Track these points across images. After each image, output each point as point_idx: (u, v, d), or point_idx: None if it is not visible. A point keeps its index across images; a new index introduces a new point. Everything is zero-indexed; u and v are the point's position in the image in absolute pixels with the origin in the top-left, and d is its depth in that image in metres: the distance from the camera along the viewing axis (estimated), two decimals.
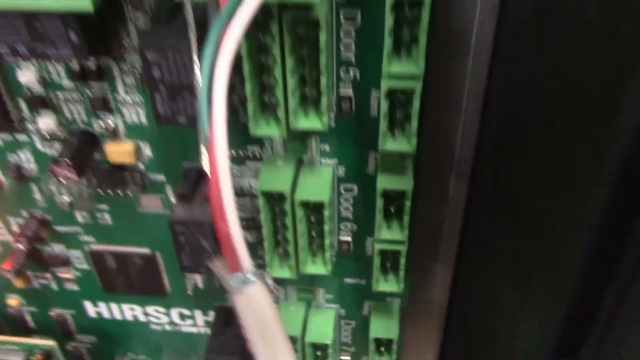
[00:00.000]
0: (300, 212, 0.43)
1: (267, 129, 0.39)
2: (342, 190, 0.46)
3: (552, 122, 0.40)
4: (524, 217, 0.46)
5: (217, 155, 0.25)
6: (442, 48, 0.40)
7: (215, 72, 0.25)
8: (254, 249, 0.51)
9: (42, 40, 0.35)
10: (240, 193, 0.47)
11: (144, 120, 0.44)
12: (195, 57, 0.30)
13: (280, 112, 0.38)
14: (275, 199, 0.44)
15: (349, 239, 0.49)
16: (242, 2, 0.27)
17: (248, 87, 0.37)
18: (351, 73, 0.40)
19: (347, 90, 0.41)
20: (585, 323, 0.34)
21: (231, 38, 0.26)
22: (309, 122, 0.39)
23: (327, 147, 0.44)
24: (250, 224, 0.49)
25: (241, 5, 0.27)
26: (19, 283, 0.56)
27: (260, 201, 0.43)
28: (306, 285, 0.53)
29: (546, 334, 0.39)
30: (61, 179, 0.43)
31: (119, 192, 0.47)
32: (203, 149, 0.26)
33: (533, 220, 0.45)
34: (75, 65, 0.40)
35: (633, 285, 0.30)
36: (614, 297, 0.32)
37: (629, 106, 0.28)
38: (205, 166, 0.26)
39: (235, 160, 0.45)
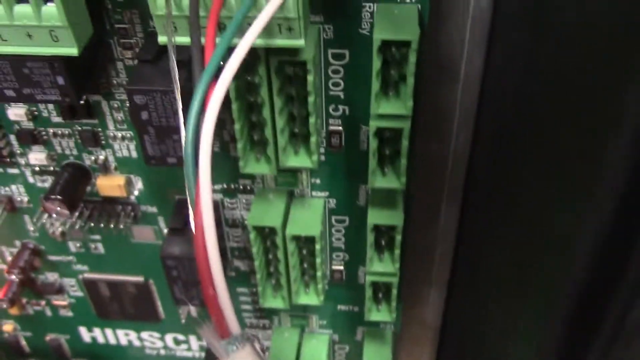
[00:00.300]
0: (291, 246, 0.43)
1: (257, 167, 0.39)
2: (334, 222, 0.46)
3: (543, 150, 0.40)
4: (515, 240, 0.46)
5: (204, 221, 0.25)
6: (430, 81, 0.40)
7: (201, 136, 0.25)
8: (247, 278, 0.51)
9: (29, 84, 0.35)
10: (232, 224, 0.47)
11: (134, 154, 0.44)
12: (179, 103, 0.30)
13: (270, 151, 0.38)
14: (266, 233, 0.44)
15: (341, 268, 0.49)
16: (225, 61, 0.27)
17: (237, 126, 0.37)
18: (340, 109, 0.40)
19: (337, 126, 0.41)
20: (582, 344, 0.34)
21: (215, 100, 0.26)
22: (298, 160, 0.39)
23: (317, 181, 0.44)
24: (242, 253, 0.49)
25: (226, 64, 0.26)
26: (13, 310, 0.56)
27: (252, 235, 0.43)
28: (299, 312, 0.53)
29: (541, 355, 0.39)
30: (53, 214, 0.43)
31: (111, 224, 0.47)
32: (190, 210, 0.26)
33: (525, 243, 0.45)
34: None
35: (634, 308, 0.30)
36: (611, 320, 0.32)
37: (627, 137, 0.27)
38: (192, 227, 0.26)
39: (227, 192, 0.45)
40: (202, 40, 0.29)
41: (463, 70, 0.40)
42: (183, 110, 0.29)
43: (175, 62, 0.29)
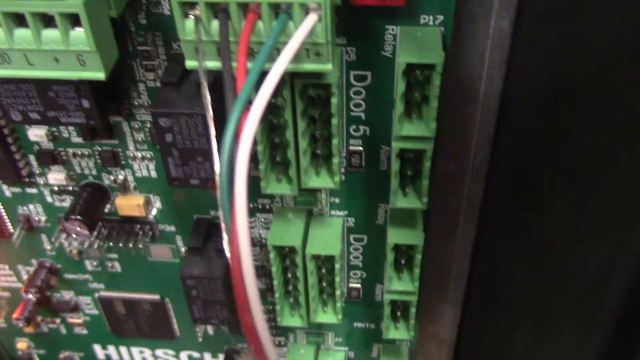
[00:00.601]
0: (311, 265, 0.43)
1: (278, 188, 0.39)
2: (352, 240, 0.46)
3: (561, 170, 0.40)
4: (533, 262, 0.46)
5: (241, 251, 0.25)
6: (450, 101, 0.41)
7: (236, 163, 0.25)
8: (264, 295, 0.51)
9: (54, 107, 0.35)
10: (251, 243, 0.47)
11: (153, 173, 0.44)
12: (210, 124, 0.30)
13: (292, 172, 0.38)
14: (286, 253, 0.44)
15: (358, 285, 0.49)
16: (258, 86, 0.27)
17: (259, 148, 0.37)
18: (361, 130, 0.40)
19: (357, 147, 0.41)
20: None
21: (249, 129, 0.26)
22: (320, 181, 0.39)
23: (337, 200, 0.44)
24: (259, 271, 0.49)
25: (259, 90, 0.27)
26: (28, 328, 0.56)
27: (272, 255, 0.43)
28: (315, 329, 0.53)
29: None
30: (73, 234, 0.43)
31: (129, 243, 0.47)
32: (224, 237, 0.26)
33: (544, 266, 0.45)
34: None
35: None
36: None
37: None
38: (227, 255, 0.26)
39: None
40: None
41: (482, 90, 0.41)
42: (211, 134, 0.29)
43: (206, 87, 0.29)
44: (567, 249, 0.42)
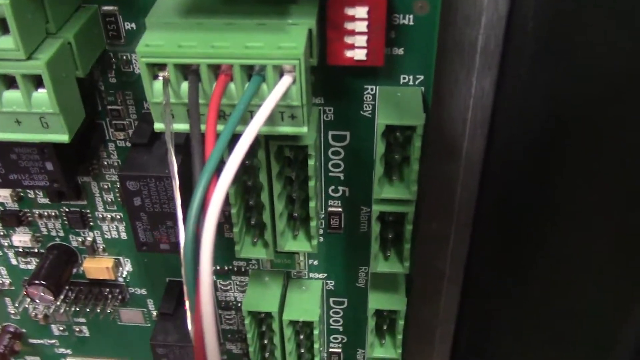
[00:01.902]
0: (288, 331, 0.41)
1: (254, 252, 0.38)
2: (332, 304, 0.44)
3: (548, 228, 0.39)
4: (519, 321, 0.44)
5: (205, 337, 0.23)
6: (431, 160, 0.39)
7: (202, 239, 0.23)
8: None
9: (16, 170, 0.34)
10: (225, 306, 0.45)
11: (123, 235, 0.42)
12: (176, 193, 0.28)
13: (268, 235, 0.37)
14: (262, 318, 0.42)
15: (339, 350, 0.47)
16: (227, 157, 0.25)
17: (234, 211, 0.36)
18: (340, 190, 0.38)
19: (336, 207, 0.39)
20: None
21: (217, 198, 0.24)
22: (297, 245, 0.37)
23: (315, 262, 0.42)
24: (235, 336, 0.47)
25: (229, 156, 0.25)
26: None
27: (247, 320, 0.41)
28: None
29: None
30: (36, 299, 0.41)
31: (98, 307, 0.45)
32: (188, 314, 0.24)
33: (528, 325, 0.43)
34: None
35: None
36: None
37: None
38: (191, 335, 0.24)
39: (220, 274, 0.43)
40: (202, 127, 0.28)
41: (465, 149, 0.40)
42: (176, 203, 0.28)
43: (172, 153, 0.27)
44: (557, 313, 0.41)
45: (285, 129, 0.30)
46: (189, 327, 0.24)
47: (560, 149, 0.36)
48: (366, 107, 0.35)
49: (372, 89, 0.34)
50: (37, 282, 0.40)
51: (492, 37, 0.35)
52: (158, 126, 0.30)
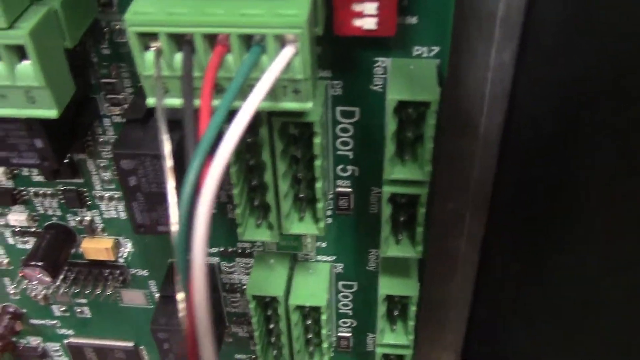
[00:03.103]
0: (295, 317, 0.39)
1: (257, 234, 0.36)
2: (341, 288, 0.42)
3: (567, 207, 0.37)
4: (535, 306, 0.42)
5: (197, 325, 0.21)
6: (447, 137, 0.37)
7: (196, 224, 0.21)
8: (246, 344, 0.47)
9: (4, 147, 0.32)
10: (230, 289, 0.44)
11: (123, 215, 0.40)
12: (169, 174, 0.26)
13: (272, 217, 0.35)
14: (267, 302, 0.40)
15: (348, 335, 0.45)
16: (223, 132, 0.23)
17: (235, 191, 0.33)
18: (349, 170, 0.36)
19: (345, 188, 0.37)
20: None
21: (212, 180, 0.22)
22: (303, 227, 0.35)
23: (323, 244, 0.40)
24: (241, 319, 0.46)
25: (224, 136, 0.23)
26: None
27: (251, 305, 0.39)
28: None
29: None
30: (34, 281, 0.39)
31: (98, 288, 0.43)
32: (180, 305, 0.23)
33: (545, 308, 0.42)
34: None
35: None
36: None
37: None
38: (183, 325, 0.22)
39: (224, 256, 0.42)
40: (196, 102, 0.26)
41: (483, 125, 0.37)
42: (168, 186, 0.26)
43: (165, 131, 0.25)
44: (573, 298, 0.39)
45: (289, 105, 0.27)
46: (180, 317, 0.23)
47: (585, 126, 0.34)
48: (377, 80, 0.32)
49: (383, 62, 0.32)
50: (33, 263, 0.39)
51: (513, 5, 0.32)
52: (151, 101, 0.28)
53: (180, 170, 0.26)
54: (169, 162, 0.25)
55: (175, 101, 0.27)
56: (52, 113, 0.29)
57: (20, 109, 0.29)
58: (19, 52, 0.28)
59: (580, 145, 0.35)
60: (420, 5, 0.30)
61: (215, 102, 0.25)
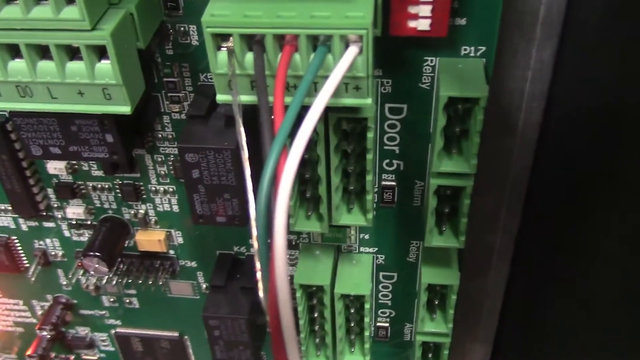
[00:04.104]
0: (339, 305, 0.41)
1: (308, 225, 0.37)
2: (382, 278, 0.44)
3: (604, 208, 0.38)
4: (567, 299, 0.44)
5: (280, 306, 0.23)
6: (487, 133, 0.39)
7: (276, 210, 0.23)
8: None
9: (76, 142, 0.34)
10: None
11: (175, 208, 0.42)
12: (246, 165, 0.28)
13: (323, 208, 0.37)
14: (313, 291, 0.42)
15: (386, 325, 0.47)
16: (297, 126, 0.25)
17: None
18: (394, 164, 0.38)
19: (390, 182, 0.39)
20: None
21: (289, 170, 0.24)
22: (352, 218, 0.37)
23: (366, 236, 0.42)
24: None
25: (298, 130, 0.25)
26: None
27: (298, 294, 0.41)
28: None
29: None
30: (91, 271, 0.42)
31: (149, 279, 0.45)
32: (260, 289, 0.24)
33: (577, 302, 0.43)
34: None
35: None
36: None
37: None
38: (265, 309, 0.24)
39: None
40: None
41: (521, 123, 0.39)
42: (246, 175, 0.28)
43: (241, 124, 0.27)
44: (608, 296, 0.40)
45: (349, 101, 0.29)
46: (262, 302, 0.24)
47: (623, 127, 0.36)
48: (425, 79, 0.34)
49: (431, 61, 0.34)
50: (91, 253, 0.41)
51: (554, 5, 0.34)
52: (221, 97, 0.30)
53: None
54: (246, 152, 0.27)
55: (244, 97, 0.29)
56: (126, 109, 0.31)
57: (97, 105, 0.31)
58: (99, 52, 0.30)
59: (616, 144, 0.36)
60: (469, 7, 0.32)
61: (287, 100, 0.27)
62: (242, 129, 0.27)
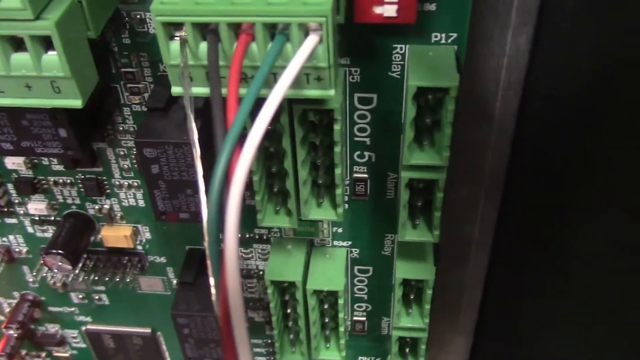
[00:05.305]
0: (312, 301, 0.40)
1: (276, 220, 0.36)
2: (357, 272, 0.43)
3: (583, 194, 0.38)
4: (546, 288, 0.43)
5: (231, 313, 0.22)
6: (461, 122, 0.37)
7: (227, 213, 0.22)
8: (262, 329, 0.48)
9: (28, 137, 0.32)
10: (247, 275, 0.44)
11: (141, 202, 0.41)
12: (197, 162, 0.27)
13: (291, 203, 0.35)
14: (285, 287, 0.40)
15: (363, 319, 0.46)
16: (251, 120, 0.24)
17: (255, 178, 0.34)
18: (366, 156, 0.37)
19: (362, 174, 0.37)
20: None
21: (242, 168, 0.22)
22: (322, 213, 0.36)
23: (340, 230, 0.41)
24: (257, 304, 0.46)
25: (253, 122, 0.23)
26: None
27: (269, 290, 0.40)
28: None
29: None
30: (54, 269, 0.40)
31: (117, 276, 0.44)
32: (213, 293, 0.23)
33: (555, 291, 0.42)
34: None
35: None
36: None
37: None
38: (216, 312, 0.23)
39: (242, 242, 0.42)
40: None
41: (497, 111, 0.38)
42: (198, 173, 0.26)
43: (192, 120, 0.26)
44: (586, 284, 0.39)
45: (312, 92, 0.28)
46: (214, 302, 0.23)
47: (601, 113, 0.34)
48: (395, 67, 0.33)
49: (401, 48, 0.32)
50: (54, 251, 0.39)
51: None
52: (176, 90, 0.28)
53: (203, 158, 0.27)
54: (197, 151, 0.25)
55: (200, 90, 0.28)
56: (77, 103, 0.29)
57: (46, 99, 0.29)
58: (45, 43, 0.28)
59: (595, 131, 0.35)
60: None
61: (241, 91, 0.26)
62: (193, 124, 0.26)
